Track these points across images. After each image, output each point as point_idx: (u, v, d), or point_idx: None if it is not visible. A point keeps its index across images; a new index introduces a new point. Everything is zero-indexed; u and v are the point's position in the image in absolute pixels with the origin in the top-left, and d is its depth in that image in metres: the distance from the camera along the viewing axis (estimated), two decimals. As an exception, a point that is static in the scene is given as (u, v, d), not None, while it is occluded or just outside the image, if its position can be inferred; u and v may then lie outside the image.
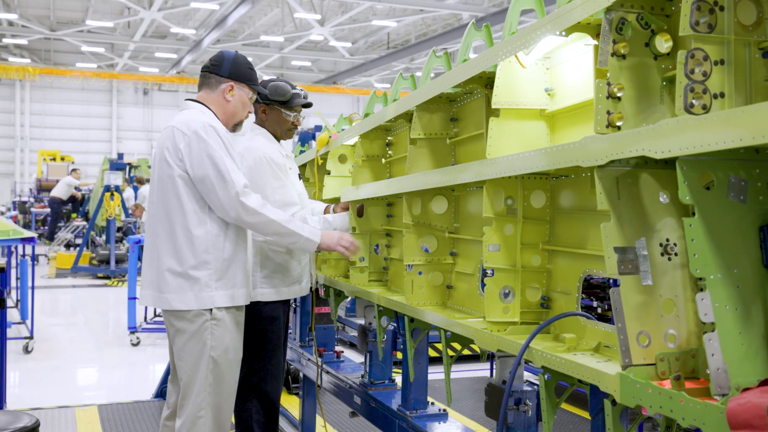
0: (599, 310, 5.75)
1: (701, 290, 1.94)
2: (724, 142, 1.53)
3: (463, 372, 6.81)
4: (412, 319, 3.13)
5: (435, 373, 4.75)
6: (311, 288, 3.90)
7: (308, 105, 3.80)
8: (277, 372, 3.68)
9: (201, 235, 3.06)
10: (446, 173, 2.73)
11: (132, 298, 8.17)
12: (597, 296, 5.74)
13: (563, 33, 2.21)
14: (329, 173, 4.13)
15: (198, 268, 3.05)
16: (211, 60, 3.31)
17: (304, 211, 3.66)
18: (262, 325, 3.65)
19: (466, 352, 7.11)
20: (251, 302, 3.44)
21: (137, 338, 8.21)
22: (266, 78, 3.88)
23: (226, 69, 3.26)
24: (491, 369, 6.54)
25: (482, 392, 6.06)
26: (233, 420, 3.72)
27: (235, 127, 3.37)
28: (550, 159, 2.15)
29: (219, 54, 3.33)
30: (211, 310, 3.07)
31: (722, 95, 1.76)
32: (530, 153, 2.22)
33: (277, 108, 3.73)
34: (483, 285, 2.66)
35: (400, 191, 3.09)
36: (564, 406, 5.74)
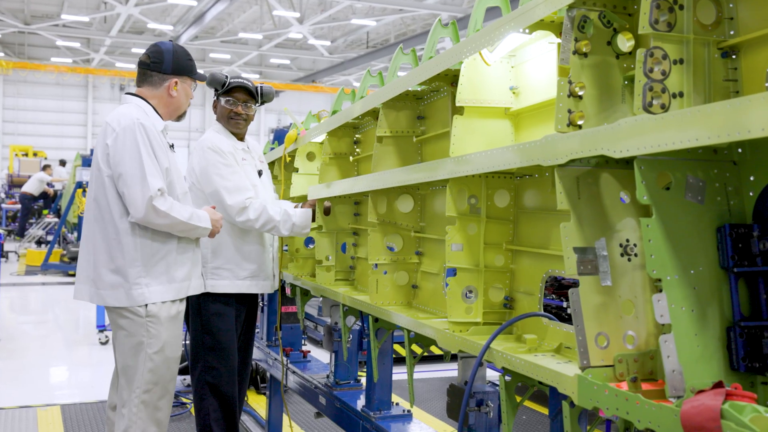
0: (570, 311, 5.76)
1: (661, 290, 1.93)
2: (681, 141, 1.52)
3: (433, 372, 6.78)
4: (376, 319, 3.10)
5: (402, 373, 4.72)
6: (275, 287, 3.85)
7: (242, 87, 3.72)
8: (230, 369, 3.62)
9: (129, 233, 3.03)
10: (409, 172, 2.70)
11: (101, 296, 8.03)
12: (567, 297, 5.74)
13: (527, 30, 2.19)
14: (297, 171, 4.09)
15: (127, 265, 3.03)
16: (150, 56, 3.22)
17: (259, 200, 3.60)
18: (211, 320, 3.60)
19: (437, 351, 7.06)
20: (201, 294, 3.39)
21: (106, 337, 8.09)
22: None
23: (168, 65, 3.21)
24: (462, 369, 6.51)
25: (452, 393, 6.06)
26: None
27: (179, 117, 3.35)
28: (511, 158, 2.12)
29: (156, 48, 3.24)
30: (146, 306, 3.04)
31: (681, 95, 1.74)
32: (492, 151, 2.19)
33: (218, 100, 3.76)
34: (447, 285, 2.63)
35: (366, 189, 3.06)
36: (528, 404, 5.73)
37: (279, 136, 10.60)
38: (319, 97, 33.47)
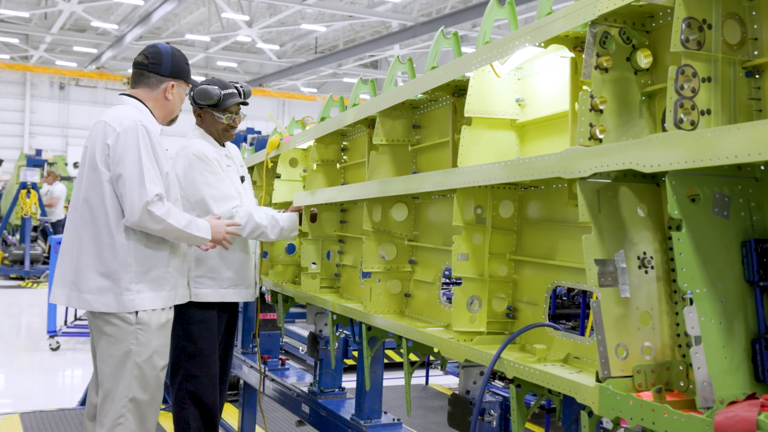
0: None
1: (677, 302, 1.97)
2: (718, 158, 1.55)
3: (397, 380, 6.78)
4: (369, 327, 3.08)
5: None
6: (256, 295, 3.80)
7: (244, 103, 3.73)
8: (212, 378, 3.57)
9: (124, 237, 2.97)
10: (412, 180, 2.70)
11: (52, 301, 7.78)
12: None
13: (542, 44, 2.21)
14: (279, 177, 4.04)
15: (120, 270, 2.95)
16: (149, 57, 3.17)
17: (245, 208, 3.56)
18: (193, 327, 3.54)
19: (398, 359, 6.99)
20: (182, 303, 3.32)
21: (57, 342, 7.84)
22: (198, 79, 3.74)
23: (167, 68, 3.16)
24: (426, 376, 6.53)
25: (420, 399, 6.07)
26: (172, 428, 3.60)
27: (171, 122, 3.28)
28: (525, 170, 2.14)
29: (155, 50, 3.19)
30: (136, 313, 2.96)
31: (709, 112, 1.79)
32: (507, 162, 2.21)
33: (209, 111, 3.65)
34: (447, 294, 2.63)
35: (363, 197, 3.04)
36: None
37: (234, 140, 10.39)
38: (265, 101, 33.18)
